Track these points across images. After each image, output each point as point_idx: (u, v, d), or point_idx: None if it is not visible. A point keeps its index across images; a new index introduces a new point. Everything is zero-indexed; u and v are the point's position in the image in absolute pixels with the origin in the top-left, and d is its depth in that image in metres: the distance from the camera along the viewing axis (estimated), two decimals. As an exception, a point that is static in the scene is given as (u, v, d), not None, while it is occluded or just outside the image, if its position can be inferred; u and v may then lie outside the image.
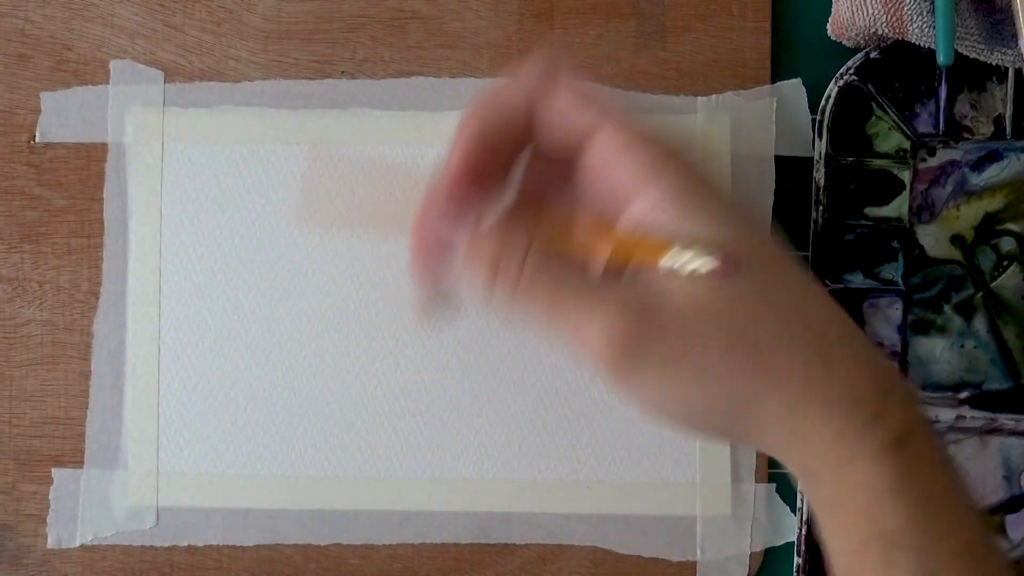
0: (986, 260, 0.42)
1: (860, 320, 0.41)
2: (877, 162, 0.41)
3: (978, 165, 0.42)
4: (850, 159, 0.41)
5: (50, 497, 0.42)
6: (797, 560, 0.41)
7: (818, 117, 0.41)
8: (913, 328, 0.42)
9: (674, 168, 0.30)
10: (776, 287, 0.30)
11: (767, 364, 0.29)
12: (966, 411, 0.42)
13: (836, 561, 0.31)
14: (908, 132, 0.41)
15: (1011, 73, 0.41)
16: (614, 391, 0.30)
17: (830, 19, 0.41)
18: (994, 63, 0.40)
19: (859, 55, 0.41)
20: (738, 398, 0.30)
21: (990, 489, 0.42)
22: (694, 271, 0.28)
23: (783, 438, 0.30)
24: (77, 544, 0.42)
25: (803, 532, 0.41)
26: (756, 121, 0.42)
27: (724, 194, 0.31)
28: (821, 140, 0.41)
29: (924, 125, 0.41)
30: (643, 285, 0.30)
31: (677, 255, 0.29)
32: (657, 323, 0.29)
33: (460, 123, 0.32)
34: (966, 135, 0.41)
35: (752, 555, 0.42)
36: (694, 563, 0.42)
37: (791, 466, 0.31)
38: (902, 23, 0.39)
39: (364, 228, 0.40)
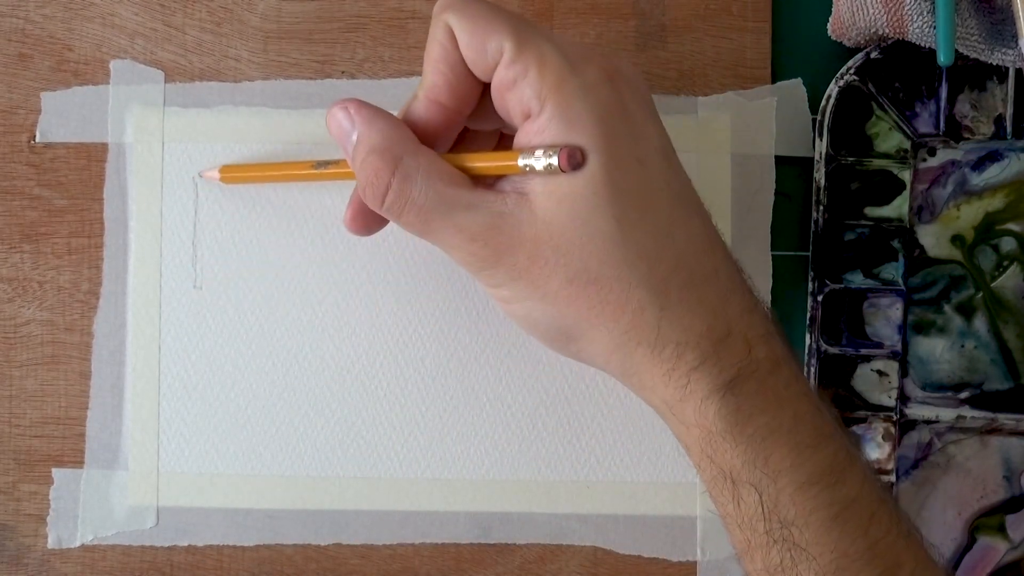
0: (986, 260, 0.42)
1: (860, 320, 0.41)
2: (877, 162, 0.41)
3: (978, 165, 0.42)
4: (850, 159, 0.41)
5: (50, 497, 0.42)
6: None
7: (818, 117, 0.41)
8: (913, 328, 0.42)
9: (568, 90, 0.31)
10: (636, 225, 0.31)
11: (603, 301, 0.31)
12: (966, 411, 0.42)
13: (708, 491, 0.32)
14: (908, 132, 0.41)
15: (1011, 73, 0.41)
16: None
17: (830, 19, 0.41)
18: (994, 63, 0.40)
19: (859, 55, 0.41)
20: (572, 325, 0.32)
21: (990, 489, 0.42)
22: (546, 167, 0.30)
23: (618, 371, 0.32)
24: (77, 544, 0.42)
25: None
26: (756, 121, 0.42)
27: (617, 118, 0.31)
28: (821, 140, 0.41)
29: (924, 125, 0.41)
30: (512, 204, 0.31)
31: (528, 154, 0.31)
32: (513, 241, 0.31)
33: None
34: (966, 135, 0.41)
35: (752, 555, 0.42)
36: (694, 563, 0.42)
37: (645, 401, 0.33)
38: (902, 23, 0.39)
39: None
